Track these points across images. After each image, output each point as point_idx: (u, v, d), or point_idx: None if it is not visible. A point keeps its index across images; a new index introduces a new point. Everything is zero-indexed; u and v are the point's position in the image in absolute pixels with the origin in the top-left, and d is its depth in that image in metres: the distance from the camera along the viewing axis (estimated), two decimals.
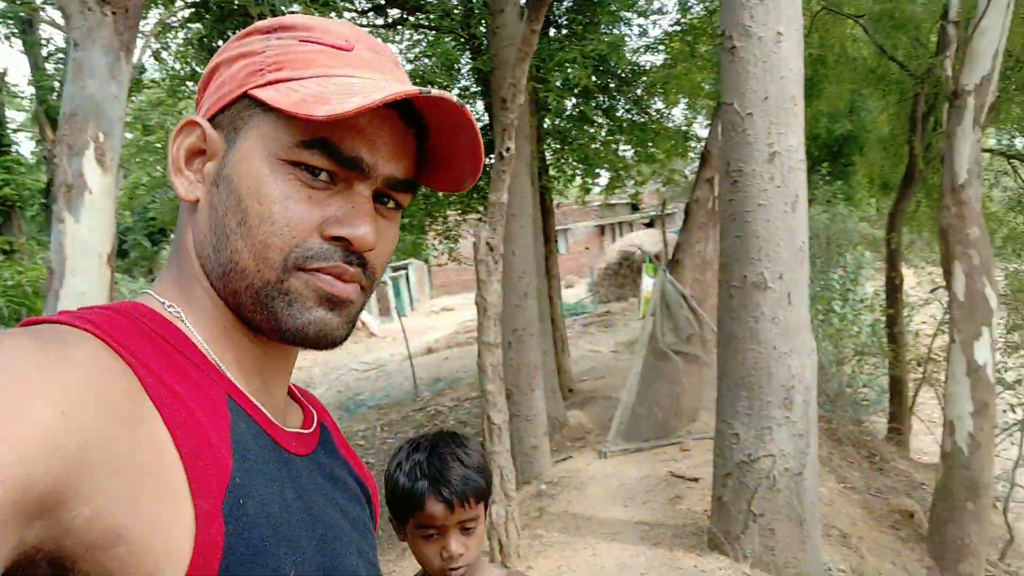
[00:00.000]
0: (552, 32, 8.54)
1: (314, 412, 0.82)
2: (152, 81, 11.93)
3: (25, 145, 17.58)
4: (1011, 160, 9.54)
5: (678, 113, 13.76)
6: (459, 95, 9.54)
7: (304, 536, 0.65)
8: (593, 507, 5.00)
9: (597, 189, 12.33)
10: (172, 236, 0.83)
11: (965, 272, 4.64)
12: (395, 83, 0.69)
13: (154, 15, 8.02)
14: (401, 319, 14.56)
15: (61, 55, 11.50)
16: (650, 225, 26.54)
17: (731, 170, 3.83)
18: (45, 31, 11.82)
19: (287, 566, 0.61)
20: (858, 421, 9.38)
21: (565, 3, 8.70)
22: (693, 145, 11.11)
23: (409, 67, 8.69)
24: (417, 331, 21.56)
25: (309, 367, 18.86)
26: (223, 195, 0.66)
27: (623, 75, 9.35)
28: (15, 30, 11.31)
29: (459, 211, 10.97)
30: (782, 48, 3.71)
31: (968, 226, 4.67)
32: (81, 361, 0.54)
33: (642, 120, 10.10)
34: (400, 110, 0.68)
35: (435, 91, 0.63)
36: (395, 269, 26.64)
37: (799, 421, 3.78)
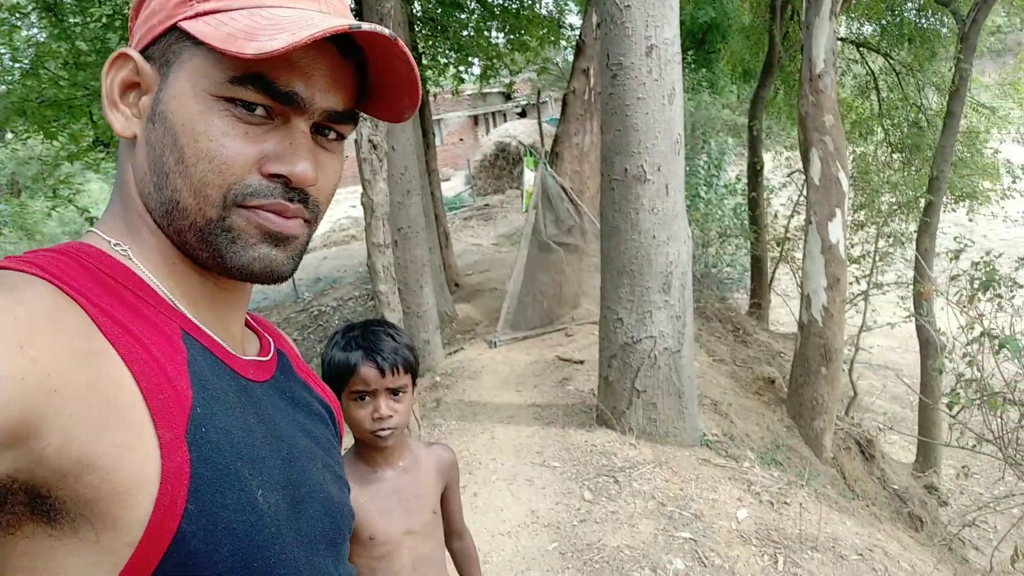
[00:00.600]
0: None
1: (270, 339, 0.84)
2: None
3: None
4: (860, 48, 10.09)
5: (550, 1, 13.53)
6: None
7: (268, 456, 0.68)
8: (487, 394, 5.21)
9: (471, 79, 12.10)
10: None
11: (820, 158, 4.99)
12: (328, 15, 0.68)
13: None
14: None
15: None
16: (523, 115, 26.44)
17: (610, 63, 3.87)
18: None
19: (254, 486, 0.63)
20: (723, 299, 10.09)
21: None
22: (566, 33, 11.03)
23: None
24: None
25: None
26: (159, 133, 0.65)
27: None
28: None
29: None
30: None
31: (824, 114, 4.98)
32: (32, 301, 0.54)
33: (514, 7, 9.90)
34: (337, 42, 0.67)
35: (365, 26, 0.63)
36: None
37: (676, 304, 4.04)
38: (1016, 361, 3.81)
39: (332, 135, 0.71)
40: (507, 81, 11.75)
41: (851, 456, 5.66)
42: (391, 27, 4.68)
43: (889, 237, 8.90)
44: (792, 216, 9.85)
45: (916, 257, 7.34)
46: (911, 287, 7.90)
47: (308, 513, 0.72)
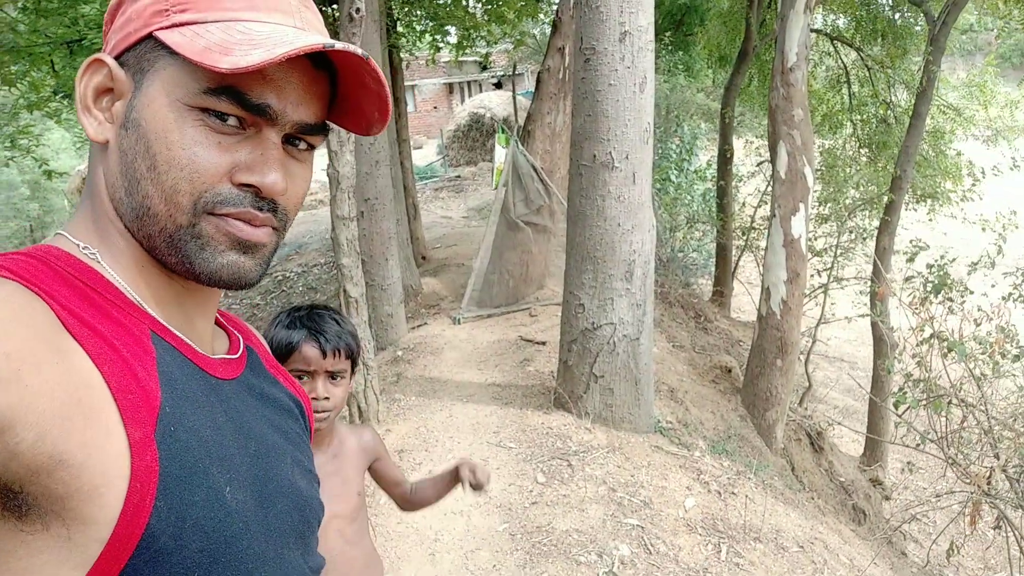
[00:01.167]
0: None
1: (239, 336, 0.85)
2: None
3: None
4: (834, 41, 10.15)
5: None
6: None
7: (237, 454, 0.69)
8: (448, 371, 5.22)
9: (447, 49, 11.95)
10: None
11: (788, 152, 5.03)
12: (302, 30, 0.70)
13: None
14: None
15: None
16: (499, 86, 26.19)
17: (584, 47, 3.85)
18: None
19: (222, 483, 0.65)
20: (687, 284, 10.19)
21: None
22: (543, 7, 10.92)
23: None
24: None
25: None
26: (132, 139, 0.66)
27: None
28: None
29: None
30: None
31: (794, 108, 5.02)
32: (1, 301, 0.55)
33: None
34: (311, 56, 0.69)
35: (339, 45, 0.65)
36: None
37: (638, 292, 4.08)
38: (962, 364, 3.93)
39: (303, 145, 0.73)
40: (483, 52, 11.62)
41: (801, 447, 5.80)
42: None
43: (851, 232, 9.05)
44: (759, 206, 9.96)
45: (874, 257, 7.48)
46: (869, 283, 8.05)
47: (276, 508, 0.74)
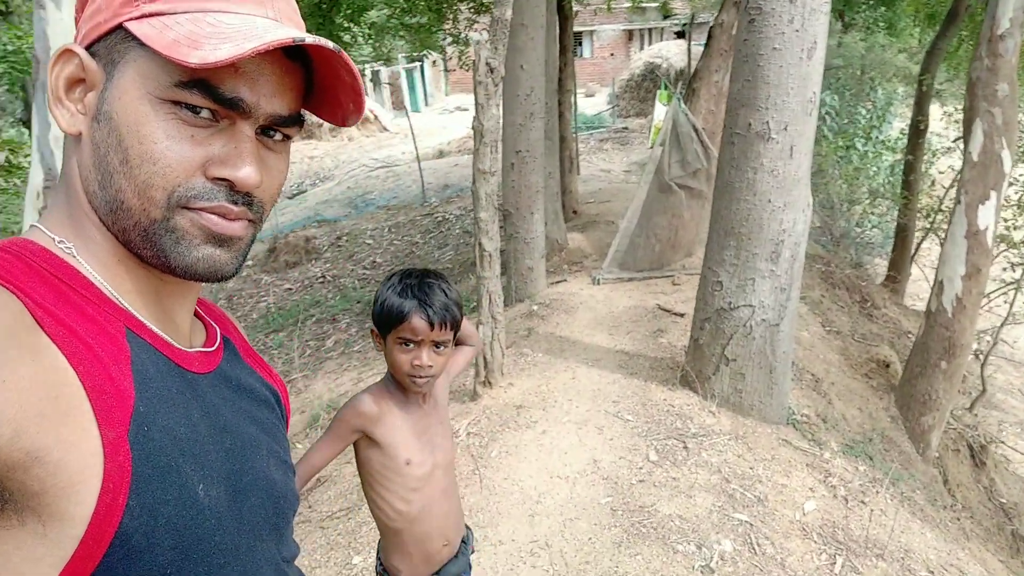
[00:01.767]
0: None
1: (217, 328, 0.85)
2: None
3: None
4: None
5: None
6: None
7: (212, 450, 0.70)
8: (579, 332, 5.18)
9: None
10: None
11: (984, 131, 4.43)
12: (275, 21, 0.69)
13: None
14: (409, 118, 14.17)
15: None
16: (681, 35, 25.06)
17: (749, 6, 3.55)
18: None
19: (195, 480, 0.65)
20: (858, 264, 9.44)
21: None
22: None
23: None
24: (429, 131, 21.22)
25: (321, 157, 18.82)
26: (104, 132, 0.66)
27: None
28: None
29: (472, 7, 10.36)
30: None
31: (998, 81, 4.39)
32: None
33: None
34: (284, 47, 0.66)
35: (309, 39, 0.63)
36: (410, 61, 25.59)
37: (783, 275, 3.80)
38: None
39: (278, 136, 0.73)
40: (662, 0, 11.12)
41: (959, 459, 5.28)
42: None
43: None
44: (952, 186, 8.96)
45: None
46: None
47: (250, 502, 0.75)
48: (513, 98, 5.76)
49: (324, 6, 9.10)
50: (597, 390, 4.24)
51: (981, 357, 7.23)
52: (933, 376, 4.88)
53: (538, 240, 5.99)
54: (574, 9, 10.11)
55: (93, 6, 0.68)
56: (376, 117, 22.10)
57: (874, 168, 11.12)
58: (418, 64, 27.49)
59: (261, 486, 0.77)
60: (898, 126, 12.72)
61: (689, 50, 13.54)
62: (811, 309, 6.42)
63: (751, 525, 3.11)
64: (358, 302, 8.05)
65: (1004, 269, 7.39)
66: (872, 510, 3.41)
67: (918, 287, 10.87)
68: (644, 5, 19.92)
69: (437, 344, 1.54)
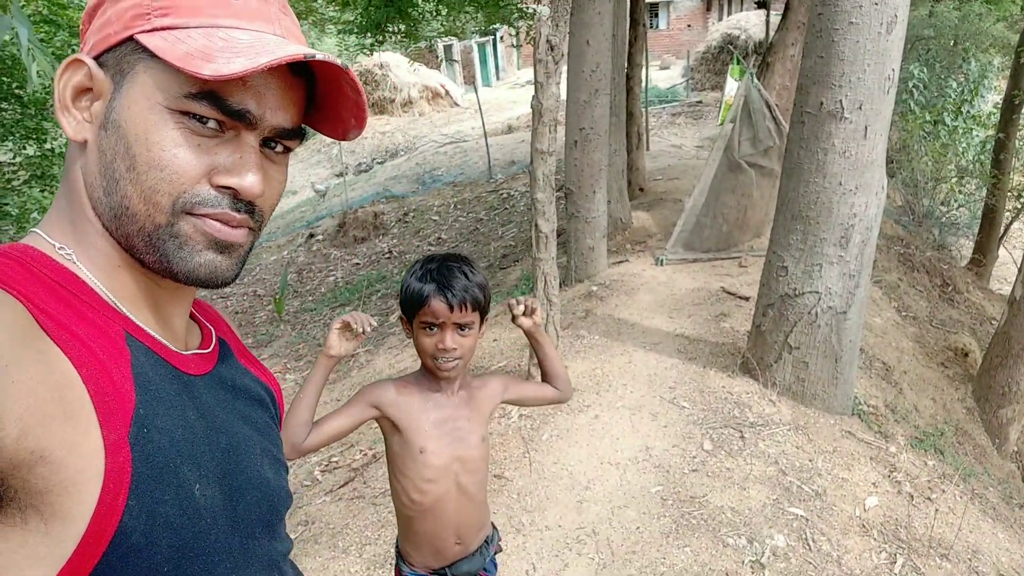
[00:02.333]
0: None
1: (212, 329, 0.88)
2: None
3: None
4: None
5: None
6: None
7: (207, 451, 0.72)
8: (638, 314, 5.10)
9: None
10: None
11: None
12: (282, 38, 0.72)
13: None
14: (477, 93, 14.12)
15: None
16: (762, 5, 24.13)
17: None
18: None
19: (191, 481, 0.67)
20: (940, 245, 8.99)
21: None
22: None
23: None
24: (499, 105, 21.16)
25: (392, 132, 19.01)
26: (112, 140, 0.68)
27: None
28: None
29: None
30: None
31: None
32: None
33: None
34: (290, 63, 0.69)
35: (319, 55, 0.67)
36: (482, 35, 25.48)
37: (852, 261, 3.64)
38: None
39: (279, 148, 0.75)
40: None
41: None
42: None
43: None
44: None
45: None
46: None
47: (245, 500, 0.77)
48: (578, 74, 5.66)
49: None
50: (653, 375, 4.17)
51: None
52: (1015, 367, 4.61)
53: (600, 219, 5.90)
54: None
55: (102, 19, 0.70)
56: (447, 92, 22.16)
57: (963, 144, 10.50)
58: (490, 38, 27.36)
59: (255, 485, 0.79)
60: (992, 100, 11.97)
61: (768, 21, 13.00)
62: (886, 293, 6.15)
63: (807, 520, 3.02)
64: None
65: None
66: (939, 508, 3.26)
67: (1005, 270, 10.29)
68: None
69: (460, 327, 1.54)
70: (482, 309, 1.57)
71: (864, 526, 3.06)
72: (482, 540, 1.72)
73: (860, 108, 3.42)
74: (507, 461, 3.50)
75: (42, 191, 7.55)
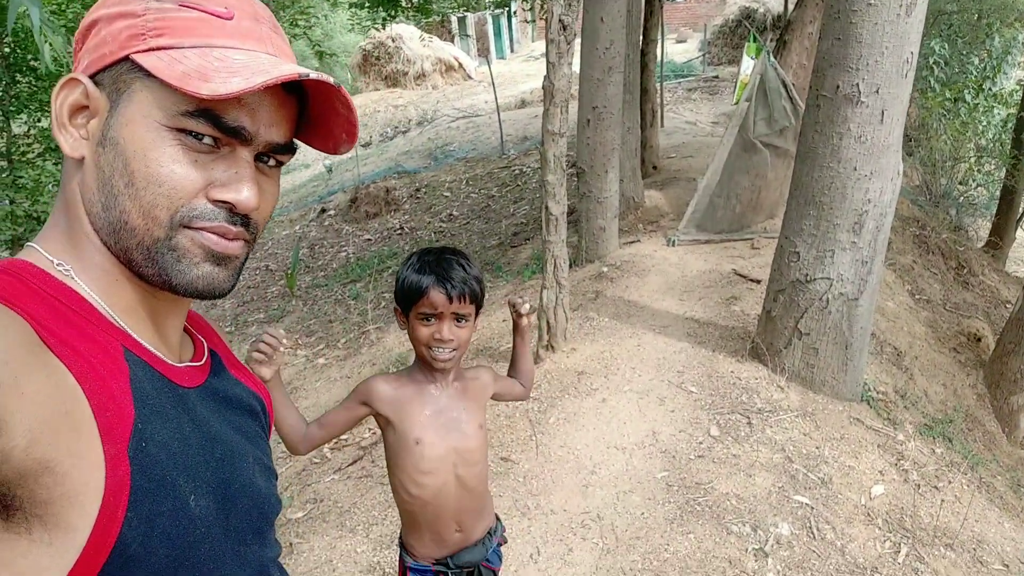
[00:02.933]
0: None
1: (204, 341, 0.90)
2: None
3: None
4: None
5: None
6: None
7: (202, 463, 0.74)
8: (648, 296, 5.09)
9: None
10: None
11: None
12: (275, 58, 0.74)
13: None
14: (490, 66, 13.97)
15: None
16: None
17: None
18: None
19: (187, 492, 0.69)
20: (957, 227, 8.88)
21: None
22: None
23: None
24: (512, 78, 20.96)
25: (405, 106, 18.89)
26: (110, 157, 0.70)
27: None
28: None
29: None
30: None
31: None
32: None
33: None
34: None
35: (313, 74, 0.70)
36: (497, 6, 25.21)
37: (865, 248, 3.60)
38: None
39: (272, 162, 0.78)
40: None
41: None
42: None
43: None
44: None
45: None
46: None
47: (237, 509, 0.79)
48: (591, 52, 5.59)
49: None
50: (662, 359, 4.17)
51: None
52: None
53: (612, 199, 5.86)
54: None
55: (96, 39, 0.72)
56: (460, 65, 21.96)
57: (983, 123, 10.32)
58: (504, 10, 27.03)
59: (247, 493, 0.82)
60: (1016, 77, 11.74)
61: None
62: (899, 276, 6.09)
63: (812, 508, 3.03)
64: None
65: None
66: (945, 497, 3.26)
67: (1022, 252, 10.17)
68: None
69: (458, 318, 1.56)
70: (478, 302, 1.60)
71: (869, 515, 3.07)
72: (484, 530, 1.74)
73: (877, 92, 3.36)
74: (514, 443, 3.52)
75: (56, 163, 7.61)
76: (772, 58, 6.01)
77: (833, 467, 3.29)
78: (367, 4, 10.12)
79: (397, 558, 2.88)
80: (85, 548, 0.59)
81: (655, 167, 8.46)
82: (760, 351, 4.02)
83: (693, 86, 16.22)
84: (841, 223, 3.60)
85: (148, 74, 0.68)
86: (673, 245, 6.04)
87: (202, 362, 0.85)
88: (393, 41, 20.64)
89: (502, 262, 7.26)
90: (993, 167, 10.19)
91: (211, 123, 0.69)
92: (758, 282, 5.10)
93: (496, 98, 12.78)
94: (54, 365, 0.59)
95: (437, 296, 1.52)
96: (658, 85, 9.31)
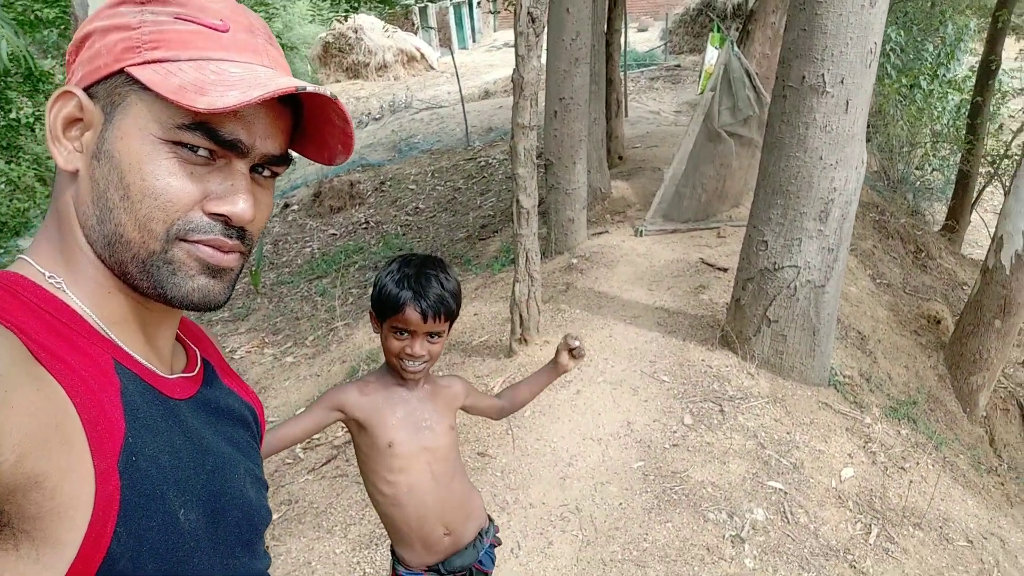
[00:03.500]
0: None
1: (197, 351, 0.89)
2: None
3: None
4: None
5: None
6: None
7: (192, 475, 0.74)
8: (618, 287, 5.12)
9: None
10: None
11: None
12: (271, 70, 0.74)
13: None
14: (454, 57, 13.88)
15: None
16: None
17: None
18: None
19: (177, 506, 0.69)
20: (914, 211, 9.08)
21: None
22: None
23: None
24: (475, 69, 20.88)
25: (367, 98, 18.71)
26: (104, 170, 0.69)
27: None
28: None
29: None
30: None
31: None
32: None
33: None
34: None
35: (310, 87, 0.70)
36: None
37: (832, 235, 3.67)
38: None
39: (266, 173, 0.78)
40: None
41: (1008, 419, 5.12)
42: None
43: None
44: (1020, 131, 8.47)
45: None
46: None
47: (227, 521, 0.79)
48: (558, 43, 5.59)
49: None
50: (634, 349, 4.20)
51: None
52: (985, 335, 4.71)
53: (580, 191, 5.88)
54: None
55: (90, 51, 0.71)
56: (423, 55, 21.79)
57: (939, 109, 10.57)
58: (465, 0, 26.88)
59: (237, 505, 0.81)
60: (968, 63, 12.02)
61: None
62: (861, 261, 6.22)
63: (785, 493, 3.08)
64: (400, 250, 8.08)
65: None
66: (912, 478, 3.35)
67: (977, 234, 10.45)
68: None
69: (431, 335, 1.57)
70: (453, 317, 1.60)
71: (840, 497, 3.14)
72: (474, 532, 1.74)
73: (842, 82, 3.41)
74: (490, 438, 3.53)
75: (8, 163, 7.40)
76: (736, 48, 6.07)
77: (804, 452, 3.36)
78: None
79: (380, 560, 2.87)
80: (73, 564, 0.58)
81: (621, 157, 8.50)
82: (730, 339, 4.08)
83: (655, 75, 16.31)
84: (808, 212, 3.66)
85: (143, 87, 0.68)
86: (641, 235, 6.08)
87: (195, 372, 0.85)
88: (355, 32, 20.40)
89: (471, 255, 7.24)
90: (948, 152, 10.44)
91: (207, 136, 0.69)
92: (725, 270, 5.16)
93: (460, 89, 12.70)
94: (44, 378, 0.58)
95: (412, 315, 1.52)
96: (622, 75, 9.35)
